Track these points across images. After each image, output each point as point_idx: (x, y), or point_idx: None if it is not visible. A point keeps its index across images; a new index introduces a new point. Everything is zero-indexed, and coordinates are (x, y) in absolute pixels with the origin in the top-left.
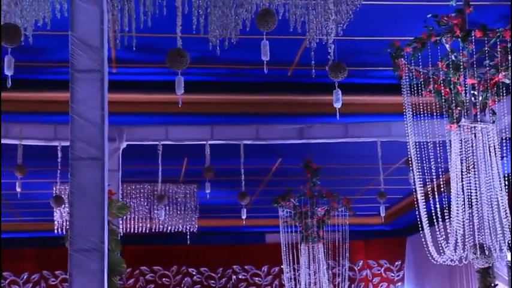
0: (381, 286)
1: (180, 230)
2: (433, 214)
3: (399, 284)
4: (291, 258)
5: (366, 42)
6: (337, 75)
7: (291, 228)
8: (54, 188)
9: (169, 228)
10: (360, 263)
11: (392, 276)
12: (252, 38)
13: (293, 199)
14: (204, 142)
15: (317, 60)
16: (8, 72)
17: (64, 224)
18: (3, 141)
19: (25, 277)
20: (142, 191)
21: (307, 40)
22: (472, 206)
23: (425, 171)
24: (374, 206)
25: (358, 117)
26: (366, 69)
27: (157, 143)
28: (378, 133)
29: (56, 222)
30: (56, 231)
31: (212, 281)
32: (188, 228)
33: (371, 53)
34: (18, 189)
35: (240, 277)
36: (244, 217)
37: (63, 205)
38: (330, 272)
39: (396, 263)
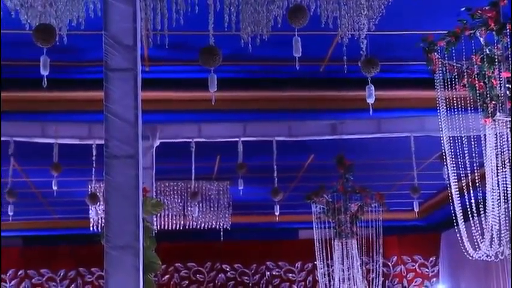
0: (416, 282)
1: (213, 226)
2: (468, 209)
3: (434, 279)
4: (324, 254)
5: (399, 36)
6: (370, 70)
7: (324, 224)
8: (89, 186)
9: (203, 225)
10: (394, 259)
11: (426, 272)
12: (284, 34)
13: (326, 195)
14: (237, 139)
15: (349, 55)
16: (44, 72)
17: (99, 221)
18: (39, 140)
19: (62, 274)
20: (175, 188)
21: (339, 36)
22: (507, 200)
23: (460, 166)
24: (407, 202)
25: (391, 112)
26: (398, 63)
27: (190, 140)
28: (411, 128)
29: (91, 220)
30: (91, 228)
31: (246, 277)
32: (221, 224)
33: (404, 48)
34: (55, 188)
35: (273, 273)
36: (277, 213)
37: (98, 203)
38: (364, 268)
39: (431, 259)
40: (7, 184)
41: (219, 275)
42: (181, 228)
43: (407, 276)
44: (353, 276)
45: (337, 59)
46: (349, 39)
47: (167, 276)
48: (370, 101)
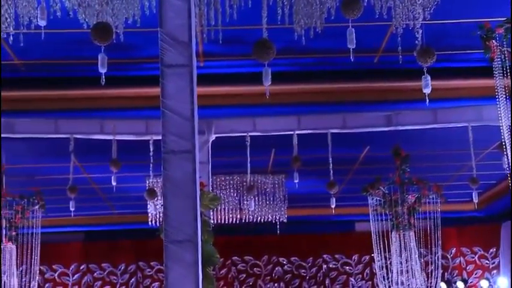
0: (476, 274)
1: (269, 220)
2: None
3: (494, 271)
4: (381, 246)
5: (454, 25)
6: (426, 60)
7: (380, 216)
8: (147, 181)
9: (259, 218)
10: (453, 251)
11: (487, 263)
12: (338, 26)
13: (382, 187)
14: (292, 132)
15: (404, 45)
16: (102, 69)
17: (158, 216)
18: (98, 137)
19: (122, 268)
20: (231, 182)
21: (394, 26)
22: None
23: None
24: (466, 193)
25: (448, 102)
26: (454, 52)
27: (245, 134)
28: (469, 118)
29: (149, 215)
30: (150, 223)
31: (303, 270)
32: (278, 218)
33: (459, 36)
34: (114, 183)
35: (330, 266)
36: (333, 206)
37: (156, 198)
38: (422, 260)
39: (491, 250)
40: (68, 180)
41: (276, 268)
42: (237, 222)
43: (467, 268)
44: (411, 268)
45: (392, 49)
46: (403, 29)
47: (225, 269)
48: (427, 91)
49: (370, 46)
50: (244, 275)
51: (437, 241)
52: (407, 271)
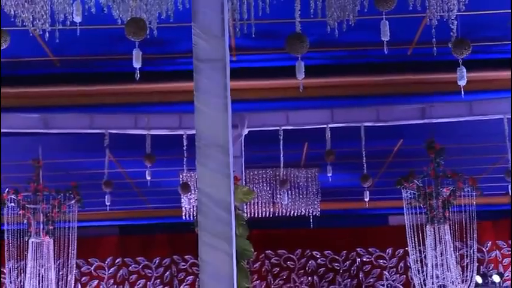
0: None
1: (303, 213)
2: None
3: None
4: (416, 240)
5: (490, 16)
6: (462, 52)
7: (415, 209)
8: (180, 176)
9: (293, 212)
10: (489, 244)
11: None
12: (371, 18)
13: (416, 180)
14: (325, 125)
15: (438, 37)
16: (136, 64)
17: (191, 210)
18: (132, 132)
19: (157, 262)
20: (264, 176)
21: (427, 17)
22: None
23: None
24: (502, 185)
25: (483, 94)
26: (490, 44)
27: (278, 128)
28: (505, 109)
29: (183, 209)
30: (183, 217)
31: (336, 264)
32: (311, 211)
33: (495, 27)
34: (148, 178)
35: (364, 259)
36: (367, 199)
37: (189, 192)
38: (457, 253)
39: None
40: (103, 175)
41: (310, 262)
42: (271, 215)
43: (503, 262)
44: (446, 262)
45: (426, 41)
46: (438, 21)
47: (258, 263)
48: (462, 83)
49: (404, 38)
50: (278, 269)
51: (473, 234)
52: (442, 265)
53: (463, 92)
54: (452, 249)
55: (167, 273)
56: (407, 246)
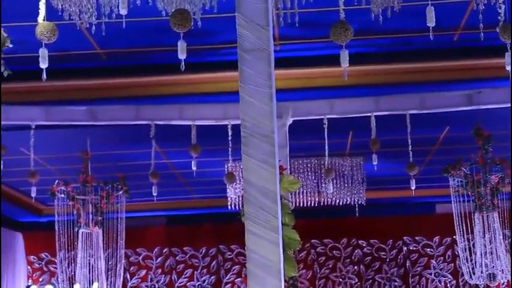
0: None
1: (348, 202)
2: None
3: None
4: (463, 228)
5: None
6: (510, 36)
7: (462, 197)
8: (225, 166)
9: (338, 201)
10: None
11: None
12: (416, 4)
13: (464, 167)
14: (369, 114)
15: (485, 22)
16: (181, 56)
17: (237, 200)
18: (178, 122)
19: (203, 251)
20: (309, 165)
21: (474, 2)
22: None
23: None
24: None
25: None
26: None
27: (322, 117)
28: None
29: (229, 199)
30: (229, 207)
31: (383, 253)
32: (356, 200)
33: None
34: (194, 168)
35: (411, 248)
36: (413, 188)
37: (235, 182)
38: (507, 241)
39: None
40: (150, 166)
41: (356, 251)
42: (316, 204)
43: None
44: (495, 250)
45: (472, 26)
46: (484, 5)
47: (304, 252)
48: (510, 68)
49: (450, 24)
50: (324, 258)
51: None
52: (491, 253)
53: (511, 77)
54: (501, 237)
55: (214, 262)
56: (454, 235)
